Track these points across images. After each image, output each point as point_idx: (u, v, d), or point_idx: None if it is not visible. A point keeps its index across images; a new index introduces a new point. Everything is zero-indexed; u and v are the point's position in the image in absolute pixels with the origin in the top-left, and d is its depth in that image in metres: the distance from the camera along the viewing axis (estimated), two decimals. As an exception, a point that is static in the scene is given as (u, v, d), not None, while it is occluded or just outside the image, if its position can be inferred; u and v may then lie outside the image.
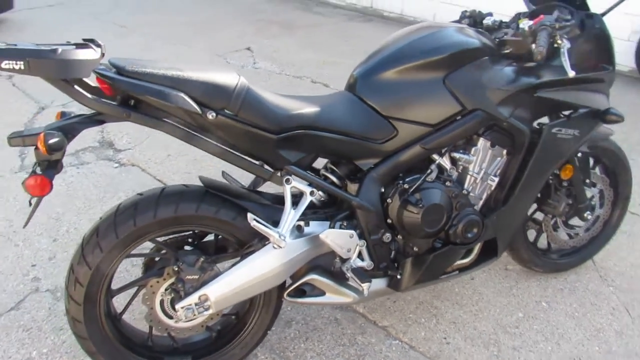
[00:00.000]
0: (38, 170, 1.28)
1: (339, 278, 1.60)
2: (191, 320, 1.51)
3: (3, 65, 1.13)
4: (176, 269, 1.45)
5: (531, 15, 1.73)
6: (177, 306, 1.45)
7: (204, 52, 4.76)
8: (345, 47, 5.10)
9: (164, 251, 1.53)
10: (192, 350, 1.64)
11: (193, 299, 1.45)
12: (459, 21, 1.87)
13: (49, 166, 1.30)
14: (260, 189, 1.66)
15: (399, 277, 1.65)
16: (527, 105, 1.61)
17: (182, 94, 1.28)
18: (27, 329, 1.83)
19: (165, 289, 1.49)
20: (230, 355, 1.64)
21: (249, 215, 1.40)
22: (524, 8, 1.92)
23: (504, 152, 1.66)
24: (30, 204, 1.34)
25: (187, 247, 1.56)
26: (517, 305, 2.03)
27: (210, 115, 1.31)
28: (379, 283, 1.65)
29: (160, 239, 1.49)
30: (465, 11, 1.87)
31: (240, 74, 1.39)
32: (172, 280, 1.48)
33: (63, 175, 2.74)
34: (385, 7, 6.23)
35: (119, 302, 1.67)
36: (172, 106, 1.29)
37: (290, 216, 1.46)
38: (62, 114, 1.41)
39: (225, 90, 1.33)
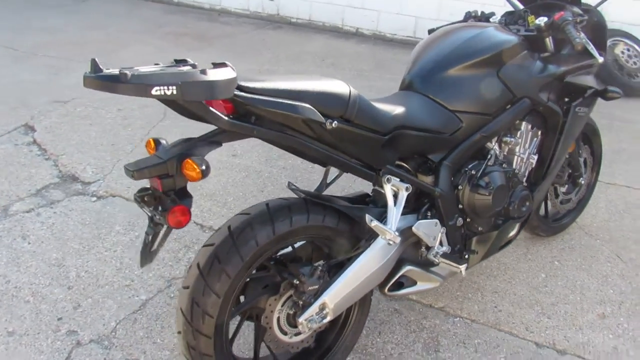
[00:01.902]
0: (169, 203, 1.21)
1: (427, 265, 1.70)
2: (305, 332, 1.50)
3: (153, 92, 1.05)
4: (296, 281, 1.44)
5: (534, 12, 1.97)
6: (301, 319, 1.43)
7: (126, 71, 4.47)
8: (269, 54, 5.14)
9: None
10: (296, 365, 1.62)
11: (314, 309, 1.44)
12: (465, 21, 2.06)
13: (183, 195, 1.23)
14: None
15: (467, 256, 1.79)
16: (558, 90, 1.85)
17: (308, 105, 1.28)
18: (89, 386, 1.65)
19: (282, 305, 1.47)
20: (335, 361, 1.65)
21: (367, 217, 1.44)
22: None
23: (539, 132, 1.89)
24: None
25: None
26: (537, 268, 2.29)
27: (332, 124, 1.33)
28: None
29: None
30: (470, 12, 2.07)
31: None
32: (288, 294, 1.46)
33: (37, 217, 2.46)
34: (292, 14, 6.36)
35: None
36: (298, 118, 1.28)
37: (395, 213, 1.52)
38: (157, 141, 1.33)
39: (342, 99, 1.36)
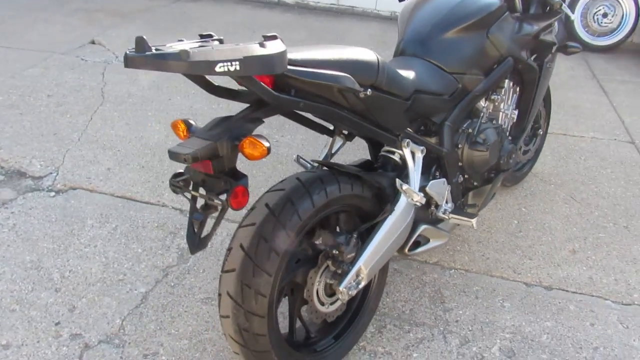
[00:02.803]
0: (226, 184, 1.16)
1: (437, 223, 1.78)
2: (344, 300, 1.53)
3: (217, 69, 0.99)
4: (335, 251, 1.45)
5: None
6: (341, 287, 1.45)
7: (40, 53, 4.06)
8: (196, 28, 4.91)
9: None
10: (328, 333, 1.64)
11: (352, 276, 1.47)
12: None
13: (236, 175, 1.18)
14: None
15: (467, 210, 1.91)
16: (533, 47, 1.99)
17: (348, 75, 1.27)
18: (112, 387, 1.56)
19: (320, 277, 1.48)
20: (362, 324, 1.70)
21: (398, 181, 1.48)
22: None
23: (518, 89, 2.02)
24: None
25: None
26: (509, 216, 2.48)
27: (366, 92, 1.34)
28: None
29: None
30: None
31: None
32: (324, 265, 1.47)
33: (-8, 220, 2.22)
34: (210, -16, 6.08)
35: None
36: (336, 88, 1.27)
37: (417, 175, 1.57)
38: (187, 123, 1.26)
39: (373, 67, 1.36)
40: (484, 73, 1.81)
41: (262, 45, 1.06)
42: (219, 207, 1.23)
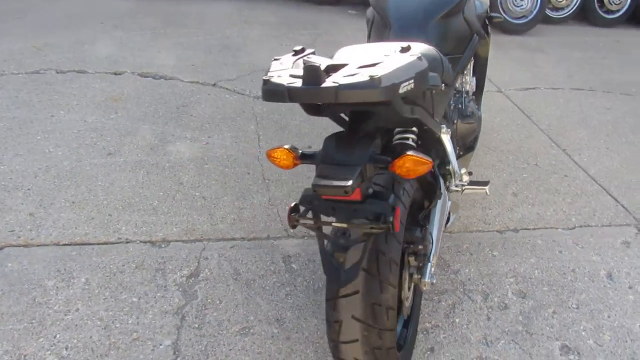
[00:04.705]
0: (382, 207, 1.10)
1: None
2: (424, 291, 1.56)
3: (401, 90, 0.91)
4: (420, 247, 1.47)
5: None
6: (426, 280, 1.48)
7: None
8: (23, 23, 4.12)
9: None
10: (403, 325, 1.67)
11: (431, 266, 1.51)
12: None
13: (382, 197, 1.12)
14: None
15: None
16: (483, 21, 2.18)
17: (436, 74, 1.27)
18: None
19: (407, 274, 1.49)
20: (418, 307, 1.76)
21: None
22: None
23: (473, 60, 2.21)
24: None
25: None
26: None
27: (441, 87, 1.35)
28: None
29: None
30: None
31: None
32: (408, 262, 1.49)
33: None
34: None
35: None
36: (429, 87, 1.27)
37: (454, 155, 1.65)
38: (295, 149, 1.15)
39: (440, 62, 1.37)
40: (461, 52, 1.94)
41: (420, 59, 1.01)
42: (375, 232, 1.15)
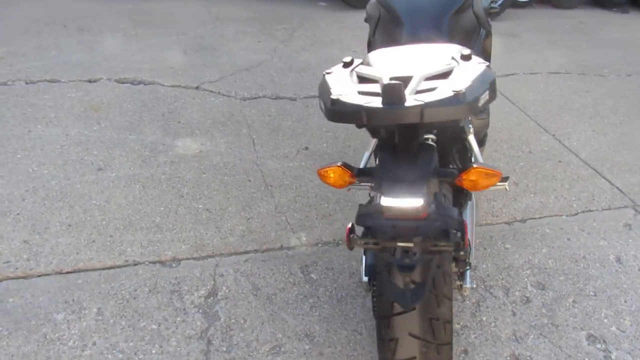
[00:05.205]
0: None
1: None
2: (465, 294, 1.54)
3: (481, 103, 0.87)
4: (462, 252, 1.43)
5: None
6: (467, 285, 1.46)
7: None
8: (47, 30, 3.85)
9: None
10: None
11: (470, 271, 1.49)
12: None
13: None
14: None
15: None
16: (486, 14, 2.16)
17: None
18: None
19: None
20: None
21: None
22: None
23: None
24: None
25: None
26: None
27: None
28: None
29: None
30: None
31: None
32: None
33: None
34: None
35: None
36: None
37: (480, 155, 1.63)
38: (349, 166, 1.09)
39: None
40: (471, 47, 1.91)
41: (489, 67, 0.97)
42: (444, 250, 1.10)
